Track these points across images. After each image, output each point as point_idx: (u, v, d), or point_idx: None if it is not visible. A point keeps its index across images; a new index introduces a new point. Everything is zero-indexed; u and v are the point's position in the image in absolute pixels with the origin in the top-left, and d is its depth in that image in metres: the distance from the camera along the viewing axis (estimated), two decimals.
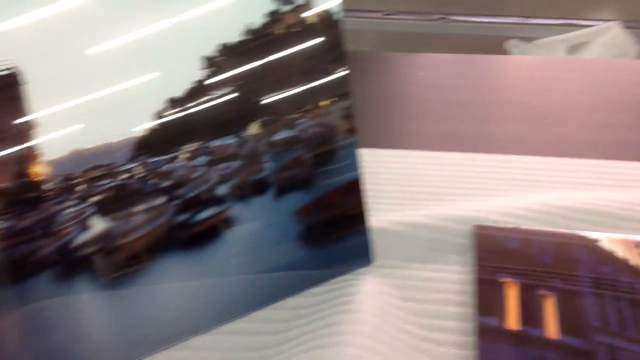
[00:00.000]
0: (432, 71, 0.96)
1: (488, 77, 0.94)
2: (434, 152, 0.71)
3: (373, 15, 1.75)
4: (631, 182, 0.66)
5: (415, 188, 0.64)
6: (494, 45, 1.55)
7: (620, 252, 0.54)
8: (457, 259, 0.55)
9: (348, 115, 0.47)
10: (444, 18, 1.69)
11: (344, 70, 0.46)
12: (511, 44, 1.51)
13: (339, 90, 0.46)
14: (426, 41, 1.80)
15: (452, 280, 0.53)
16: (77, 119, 0.38)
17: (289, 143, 0.46)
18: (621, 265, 0.53)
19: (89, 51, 0.38)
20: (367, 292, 0.49)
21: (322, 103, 0.46)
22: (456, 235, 0.57)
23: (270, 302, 0.49)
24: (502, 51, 1.52)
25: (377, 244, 0.55)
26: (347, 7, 1.72)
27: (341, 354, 0.42)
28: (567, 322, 0.47)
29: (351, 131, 0.48)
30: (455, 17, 1.71)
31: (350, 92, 0.47)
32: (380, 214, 0.59)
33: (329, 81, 0.46)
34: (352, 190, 0.49)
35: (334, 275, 0.51)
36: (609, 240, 0.56)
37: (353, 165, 0.49)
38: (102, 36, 0.38)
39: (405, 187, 0.65)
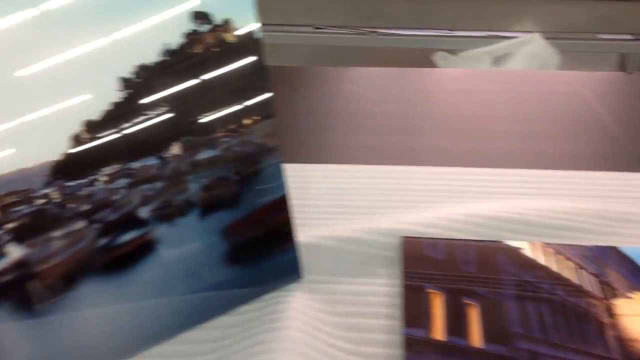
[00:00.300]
0: (361, 85, 0.97)
1: (416, 90, 0.96)
2: (362, 166, 0.72)
3: (302, 29, 1.77)
4: (552, 191, 0.68)
5: (343, 202, 0.65)
6: (422, 58, 1.58)
7: (542, 259, 0.56)
8: (385, 271, 0.56)
9: (272, 134, 0.47)
10: (373, 32, 1.71)
11: (267, 89, 0.47)
12: (438, 57, 1.54)
13: (262, 109, 0.47)
14: (356, 55, 1.82)
15: (380, 293, 0.53)
16: None
17: (212, 162, 0.45)
18: (542, 271, 0.54)
19: (2, 76, 0.37)
20: (296, 308, 0.49)
21: (245, 122, 0.46)
22: (384, 248, 0.58)
23: (198, 323, 0.49)
24: (430, 64, 1.55)
25: (307, 259, 0.55)
26: (276, 22, 1.73)
27: None
28: (491, 330, 0.48)
29: (275, 149, 0.48)
30: (383, 31, 1.74)
31: (274, 110, 0.47)
32: (309, 229, 0.59)
33: (251, 100, 0.46)
34: (279, 208, 0.49)
35: (263, 293, 0.51)
36: (530, 247, 0.57)
37: (278, 182, 0.49)
38: (16, 61, 0.38)
39: (333, 201, 0.65)
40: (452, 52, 1.57)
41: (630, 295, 0.52)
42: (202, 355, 0.47)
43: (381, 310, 0.52)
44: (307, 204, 0.64)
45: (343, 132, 0.81)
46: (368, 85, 0.97)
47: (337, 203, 0.65)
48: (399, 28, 1.76)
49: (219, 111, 0.45)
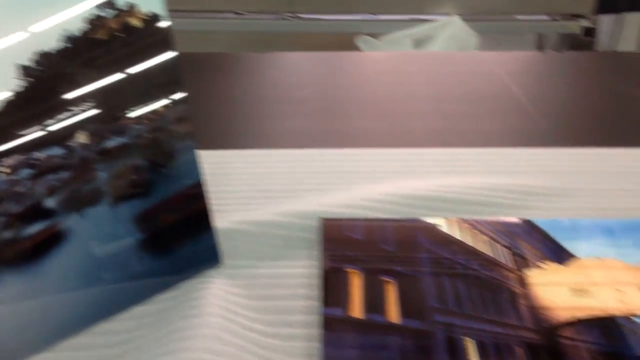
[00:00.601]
0: (283, 70, 0.97)
1: (338, 74, 0.96)
2: (282, 150, 0.72)
3: (223, 15, 1.75)
4: (467, 168, 0.69)
5: (263, 187, 0.65)
6: (345, 42, 1.59)
7: (457, 234, 0.57)
8: (305, 253, 0.56)
9: (184, 120, 0.47)
10: (295, 17, 1.71)
11: (176, 74, 0.46)
12: (360, 41, 1.55)
13: (172, 94, 0.46)
14: (278, 40, 1.81)
15: (300, 275, 0.54)
16: None
17: (122, 150, 0.45)
18: (458, 246, 0.56)
19: None
20: (214, 294, 0.49)
21: (155, 108, 0.45)
22: (304, 230, 0.58)
23: (114, 313, 0.48)
24: (353, 48, 1.56)
25: (225, 245, 0.55)
26: (195, 8, 1.71)
27: (183, 359, 0.42)
28: (408, 306, 0.49)
29: (189, 135, 0.47)
30: (305, 15, 1.74)
31: (185, 96, 0.46)
32: (229, 215, 0.59)
33: (161, 86, 0.45)
34: (194, 194, 0.49)
35: (181, 280, 0.51)
36: (447, 223, 0.58)
37: (193, 168, 0.48)
38: None
39: (253, 186, 0.65)
40: (374, 35, 1.58)
41: (541, 265, 0.54)
42: (116, 346, 0.46)
43: (300, 292, 0.52)
44: (227, 190, 0.64)
45: (265, 118, 0.81)
46: (290, 70, 0.97)
47: (256, 188, 0.65)
48: (321, 13, 1.76)
49: (126, 98, 0.44)
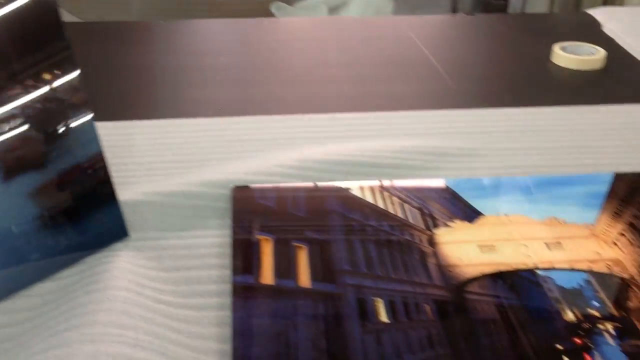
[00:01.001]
0: (196, 38, 0.95)
1: (251, 41, 0.95)
2: (193, 119, 0.70)
3: None
4: (379, 131, 0.69)
5: (173, 157, 0.64)
6: (259, 9, 1.57)
7: (369, 197, 0.57)
8: (216, 222, 0.55)
9: (77, 89, 0.45)
10: None
11: (63, 39, 0.44)
12: (274, 7, 1.53)
13: (61, 61, 0.44)
14: (192, 8, 1.77)
15: (211, 245, 0.53)
16: None
17: (9, 121, 0.43)
18: (369, 209, 0.56)
19: None
20: (121, 267, 0.48)
21: (44, 76, 0.43)
22: (215, 199, 0.57)
23: (14, 292, 0.46)
24: (268, 14, 1.54)
25: (133, 217, 0.54)
26: None
27: (86, 334, 0.40)
28: (319, 270, 0.49)
29: (84, 105, 0.46)
30: None
31: (76, 63, 0.44)
32: (136, 186, 0.57)
33: (48, 52, 0.43)
34: (93, 166, 0.47)
35: (86, 255, 0.49)
36: (359, 187, 0.59)
37: (91, 140, 0.47)
38: None
39: (162, 157, 0.63)
40: (288, 2, 1.56)
41: (450, 224, 0.54)
42: (19, 325, 0.44)
43: (212, 262, 0.51)
44: (134, 161, 0.62)
45: (177, 87, 0.79)
46: (203, 37, 0.95)
47: (165, 158, 0.63)
48: None
49: (9, 64, 0.42)
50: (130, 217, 0.53)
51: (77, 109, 0.45)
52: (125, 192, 0.55)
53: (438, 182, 0.60)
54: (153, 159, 0.63)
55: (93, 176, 0.47)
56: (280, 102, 0.76)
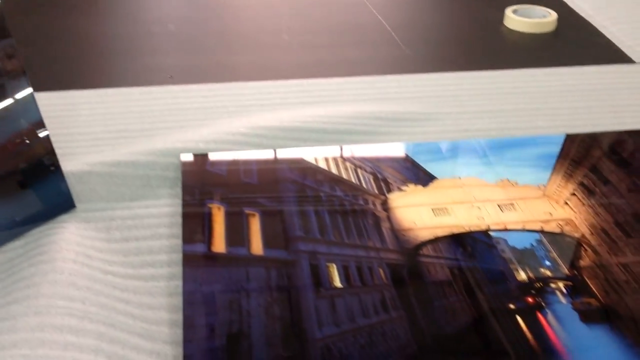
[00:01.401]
0: (143, 5, 0.92)
1: (198, 8, 0.92)
2: (141, 88, 0.68)
3: None
4: (333, 97, 0.68)
5: (121, 126, 0.62)
6: None
7: (322, 163, 0.57)
8: (166, 192, 0.54)
9: (11, 56, 0.43)
10: None
11: None
12: None
13: None
14: None
15: (161, 214, 0.52)
16: None
17: None
18: (322, 175, 0.55)
19: None
20: (67, 239, 0.47)
21: None
22: (164, 168, 0.56)
23: None
24: None
25: (79, 188, 0.52)
26: None
27: (31, 307, 0.39)
28: (271, 237, 0.48)
29: (19, 73, 0.44)
30: None
31: (7, 29, 0.42)
32: (83, 157, 0.56)
33: None
34: (33, 137, 0.46)
35: (30, 228, 0.48)
36: (311, 154, 0.58)
37: (29, 108, 0.45)
38: None
39: (110, 126, 0.62)
40: None
41: (403, 188, 0.54)
42: None
43: (162, 231, 0.50)
44: (80, 131, 0.60)
45: (125, 55, 0.77)
46: (150, 4, 0.93)
47: (112, 128, 0.61)
48: None
49: None
50: (76, 188, 0.52)
51: (12, 77, 0.43)
52: (71, 163, 0.53)
53: (391, 147, 0.59)
54: (100, 129, 0.61)
55: (33, 147, 0.46)
56: (231, 69, 0.74)
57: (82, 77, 0.71)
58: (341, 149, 0.59)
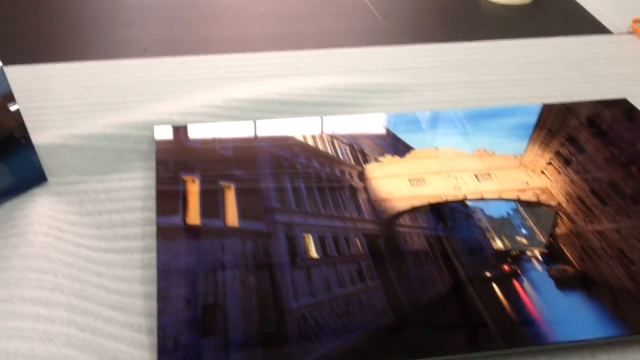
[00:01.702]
0: None
1: None
2: (114, 61, 0.67)
3: None
4: (310, 69, 0.68)
5: (94, 100, 0.61)
6: None
7: (298, 135, 0.56)
8: (140, 165, 0.53)
9: None
10: None
11: None
12: None
13: None
14: None
15: (135, 187, 0.51)
16: None
17: None
18: (299, 147, 0.54)
19: None
20: (39, 212, 0.46)
21: None
22: (138, 141, 0.55)
23: None
24: None
25: (51, 161, 0.51)
26: None
27: (1, 279, 0.39)
28: (247, 208, 0.48)
29: None
30: None
31: None
32: (55, 130, 0.55)
33: None
34: (2, 110, 0.45)
35: (1, 202, 0.47)
36: (288, 125, 0.57)
37: None
38: None
39: (83, 99, 0.61)
40: None
41: (380, 159, 0.54)
42: None
43: (137, 204, 0.49)
44: (52, 104, 0.59)
45: (99, 28, 0.75)
46: None
47: (86, 102, 0.60)
48: None
49: None
50: (48, 162, 0.51)
51: None
52: (43, 136, 0.53)
53: (369, 119, 0.59)
54: (73, 102, 0.60)
55: (4, 120, 0.45)
56: (207, 41, 0.73)
57: (54, 50, 0.70)
58: (319, 121, 0.58)
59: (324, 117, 0.59)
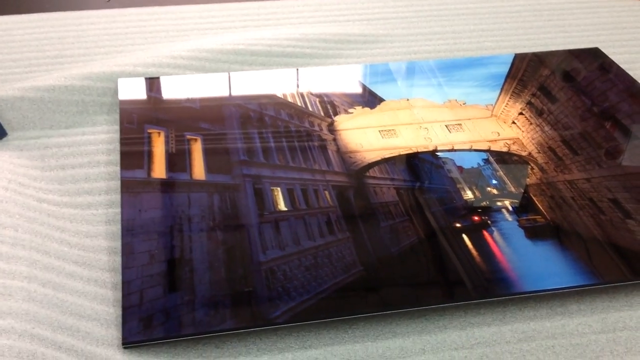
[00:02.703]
0: None
1: None
2: (76, 12, 0.65)
3: None
4: (278, 20, 0.66)
5: (56, 52, 0.59)
6: None
7: (267, 87, 0.55)
8: (104, 118, 0.52)
9: None
10: None
11: None
12: None
13: None
14: None
15: (99, 141, 0.50)
16: None
17: None
18: (266, 99, 0.53)
19: None
20: None
21: None
22: (101, 93, 0.53)
23: None
24: None
25: (11, 115, 0.50)
26: None
27: None
28: (214, 161, 0.47)
29: None
30: None
31: None
32: (14, 83, 0.53)
33: None
34: None
35: None
36: (256, 77, 0.56)
37: None
38: None
39: (44, 52, 0.59)
40: None
41: (350, 110, 0.53)
42: None
43: (100, 158, 0.48)
44: (11, 57, 0.57)
45: None
46: None
47: (46, 54, 0.58)
48: None
49: None
50: (8, 115, 0.49)
51: None
52: (2, 89, 0.51)
53: (339, 70, 0.58)
54: (34, 54, 0.58)
55: None
56: None
57: (14, 1, 0.67)
58: (288, 73, 0.57)
59: (293, 70, 0.57)
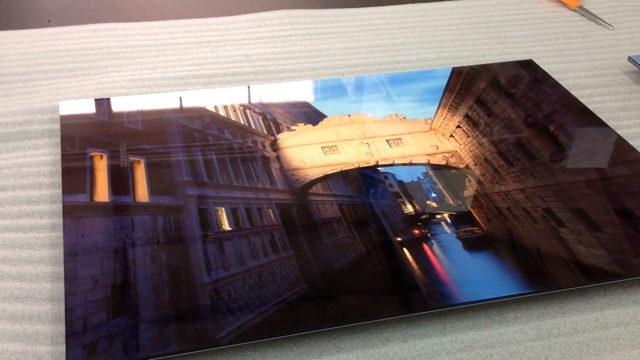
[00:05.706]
0: None
1: None
2: (17, 31, 0.65)
3: None
4: (221, 37, 0.67)
5: None
6: None
7: (209, 106, 0.55)
8: (45, 142, 0.52)
9: None
10: None
11: None
12: None
13: None
14: None
15: (40, 163, 0.49)
16: None
17: None
18: (209, 118, 0.54)
19: None
20: None
21: None
22: (43, 122, 0.53)
23: None
24: None
25: None
26: None
27: None
28: (157, 183, 0.47)
29: None
30: None
31: None
32: None
33: None
34: None
35: None
36: (199, 97, 0.56)
37: None
38: None
39: None
40: None
41: (293, 127, 0.54)
42: None
43: (43, 181, 0.48)
44: None
45: None
46: None
47: None
48: None
49: None
50: None
51: None
52: None
53: (281, 87, 0.58)
54: None
55: None
56: (115, 9, 0.71)
57: None
58: (231, 91, 0.57)
59: (236, 87, 0.58)
